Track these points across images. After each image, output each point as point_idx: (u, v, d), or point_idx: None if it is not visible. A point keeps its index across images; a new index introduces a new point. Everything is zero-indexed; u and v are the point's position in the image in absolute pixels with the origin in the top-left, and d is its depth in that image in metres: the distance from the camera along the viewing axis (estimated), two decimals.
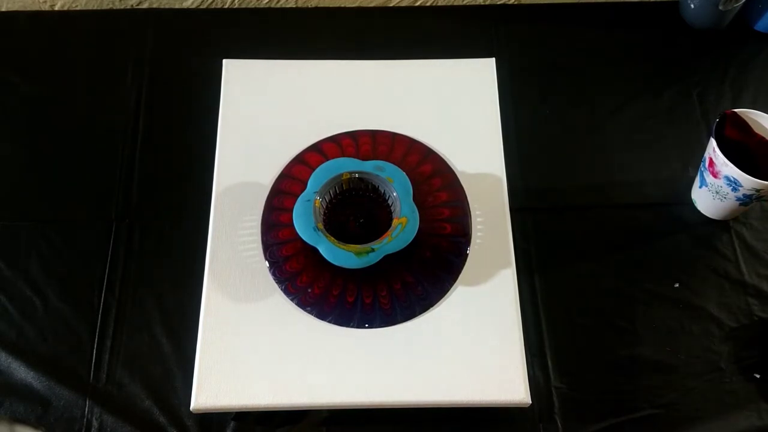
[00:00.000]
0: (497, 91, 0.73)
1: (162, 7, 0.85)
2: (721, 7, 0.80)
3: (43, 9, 0.85)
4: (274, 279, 0.64)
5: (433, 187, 0.68)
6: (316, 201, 0.63)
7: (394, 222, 0.63)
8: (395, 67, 0.75)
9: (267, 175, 0.68)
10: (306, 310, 0.62)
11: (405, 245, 0.61)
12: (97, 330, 0.66)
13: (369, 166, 0.65)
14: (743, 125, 0.69)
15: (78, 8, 0.85)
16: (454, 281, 0.64)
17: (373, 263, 0.61)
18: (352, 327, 0.62)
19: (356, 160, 0.65)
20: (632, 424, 0.63)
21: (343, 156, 0.69)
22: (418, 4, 0.86)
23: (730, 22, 0.84)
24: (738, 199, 0.68)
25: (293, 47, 0.81)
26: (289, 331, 0.62)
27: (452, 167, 0.69)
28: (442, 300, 0.63)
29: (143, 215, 0.72)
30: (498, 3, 0.87)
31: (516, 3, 0.87)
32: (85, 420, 0.62)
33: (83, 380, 0.64)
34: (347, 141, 0.70)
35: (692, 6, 0.82)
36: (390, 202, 0.65)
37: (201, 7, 0.85)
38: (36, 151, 0.76)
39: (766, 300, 0.69)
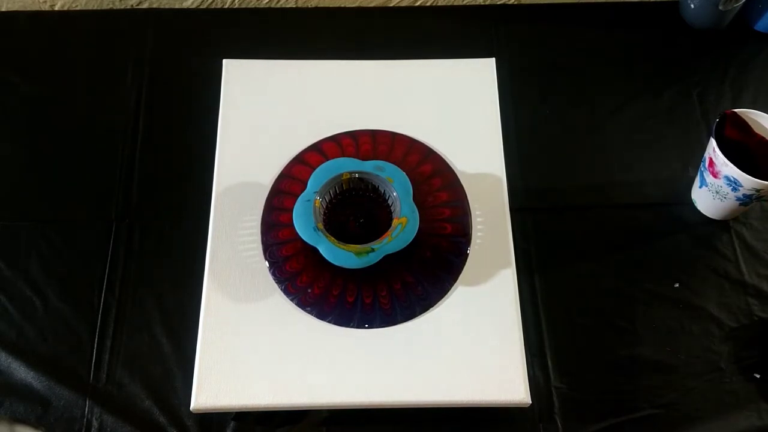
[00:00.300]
0: (497, 91, 0.73)
1: (162, 7, 0.85)
2: (721, 7, 0.80)
3: (43, 9, 0.85)
4: (274, 279, 0.64)
5: (434, 186, 0.68)
6: (316, 201, 0.63)
7: (394, 222, 0.63)
8: (395, 67, 0.75)
9: (267, 175, 0.68)
10: (306, 310, 0.62)
11: (405, 245, 0.61)
12: (97, 330, 0.66)
13: (369, 166, 0.65)
14: (743, 125, 0.69)
15: (78, 8, 0.85)
16: (455, 281, 0.64)
17: (373, 263, 0.61)
18: (352, 327, 0.62)
19: (356, 160, 0.65)
20: (632, 424, 0.63)
21: (343, 156, 0.69)
22: (418, 4, 0.86)
23: (730, 22, 0.84)
24: (738, 199, 0.68)
25: (293, 47, 0.81)
26: (289, 331, 0.62)
27: (452, 167, 0.69)
28: (442, 300, 0.63)
29: (143, 215, 0.72)
30: (498, 3, 0.87)
31: (516, 3, 0.87)
32: (85, 420, 0.62)
33: (83, 380, 0.64)
34: (347, 141, 0.70)
35: (692, 6, 0.82)
36: (390, 202, 0.65)
37: (201, 7, 0.85)
38: (36, 151, 0.76)
39: (766, 300, 0.69)
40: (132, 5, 0.85)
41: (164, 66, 0.81)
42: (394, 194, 0.64)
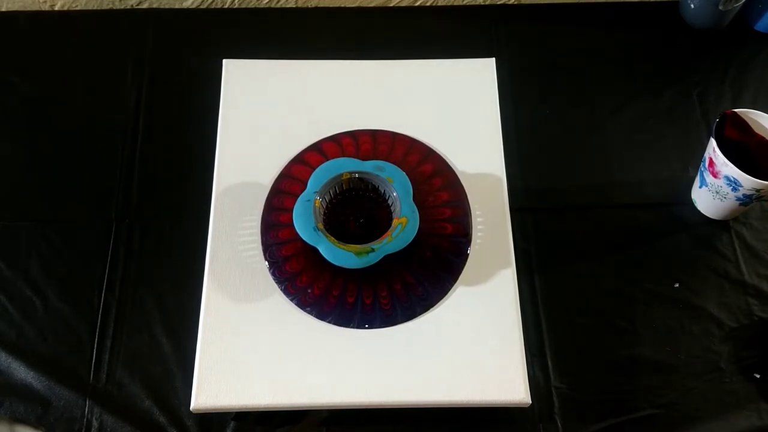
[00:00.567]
0: (497, 91, 0.73)
1: (162, 7, 0.85)
2: (721, 7, 0.80)
3: (43, 9, 0.85)
4: (274, 279, 0.64)
5: (434, 186, 0.68)
6: (316, 201, 0.63)
7: (394, 222, 0.63)
8: (395, 67, 0.75)
9: (267, 175, 0.68)
10: (306, 311, 0.62)
11: (405, 245, 0.61)
12: (97, 330, 0.66)
13: (369, 166, 0.65)
14: (743, 125, 0.69)
15: (78, 8, 0.85)
16: (455, 281, 0.64)
17: (373, 263, 0.61)
18: (352, 327, 0.62)
19: (356, 160, 0.65)
20: (632, 424, 0.63)
21: (344, 155, 0.69)
22: (418, 4, 0.86)
23: (730, 22, 0.84)
24: (738, 199, 0.68)
25: (293, 47, 0.81)
26: (289, 332, 0.62)
27: (452, 167, 0.69)
28: (442, 300, 0.63)
29: (143, 215, 0.72)
30: (498, 3, 0.87)
31: (516, 3, 0.87)
32: (85, 420, 0.62)
33: (83, 380, 0.64)
34: (347, 140, 0.70)
35: (692, 6, 0.82)
36: (390, 202, 0.65)
37: (201, 7, 0.85)
38: (36, 151, 0.76)
39: (766, 300, 0.69)
40: (132, 5, 0.85)
41: (164, 66, 0.81)
42: (394, 194, 0.64)
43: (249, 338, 0.61)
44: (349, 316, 0.62)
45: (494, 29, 0.84)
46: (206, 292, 0.63)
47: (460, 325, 0.62)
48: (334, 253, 0.61)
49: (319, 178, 0.64)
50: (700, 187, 0.71)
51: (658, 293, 0.69)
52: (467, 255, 0.65)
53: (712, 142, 0.67)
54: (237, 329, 0.62)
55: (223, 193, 0.68)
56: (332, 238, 0.61)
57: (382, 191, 0.66)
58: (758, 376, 0.65)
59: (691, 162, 0.75)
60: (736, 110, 0.68)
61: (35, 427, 0.58)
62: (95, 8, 0.85)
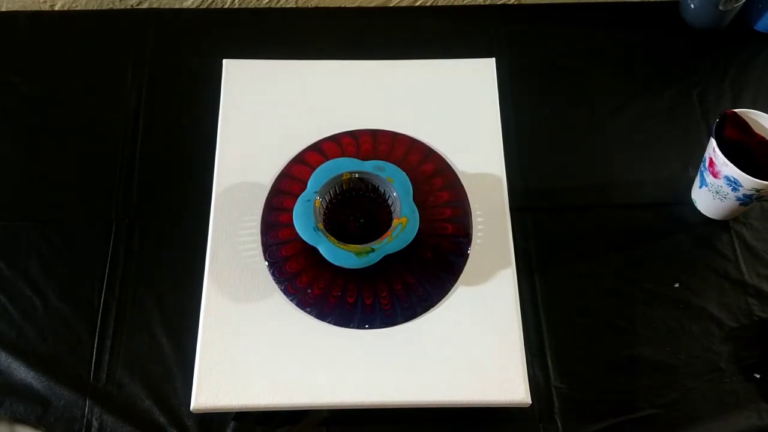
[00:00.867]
0: (497, 91, 0.73)
1: (162, 7, 0.85)
2: (721, 7, 0.80)
3: (43, 9, 0.85)
4: (274, 279, 0.64)
5: (434, 186, 0.68)
6: (316, 201, 0.63)
7: (394, 222, 0.63)
8: (395, 67, 0.75)
9: (267, 175, 0.68)
10: (306, 311, 0.62)
11: (405, 245, 0.61)
12: (97, 330, 0.66)
13: (369, 166, 0.65)
14: (743, 125, 0.69)
15: (78, 8, 0.85)
16: (455, 281, 0.64)
17: (373, 263, 0.61)
18: (352, 327, 0.62)
19: (356, 160, 0.65)
20: (632, 424, 0.63)
21: (344, 155, 0.69)
22: (418, 4, 0.86)
23: (730, 22, 0.84)
24: (738, 199, 0.68)
25: (293, 47, 0.81)
26: (289, 332, 0.62)
27: (452, 167, 0.69)
28: (442, 300, 0.63)
29: (143, 215, 0.72)
30: (498, 3, 0.87)
31: (516, 3, 0.87)
32: (85, 420, 0.62)
33: (83, 380, 0.64)
34: (347, 140, 0.70)
35: (692, 6, 0.82)
36: (390, 202, 0.65)
37: (201, 7, 0.85)
38: (36, 151, 0.75)
39: (766, 300, 0.69)
40: (132, 5, 0.85)
41: (164, 66, 0.81)
42: (394, 194, 0.64)
43: (249, 338, 0.61)
44: (349, 316, 0.62)
45: (494, 29, 0.84)
46: (206, 292, 0.63)
47: (459, 325, 0.62)
48: (334, 253, 0.61)
49: (319, 178, 0.64)
50: (700, 187, 0.71)
51: (658, 293, 0.69)
52: (467, 255, 0.65)
53: (712, 142, 0.67)
54: (237, 329, 0.62)
55: (223, 193, 0.68)
56: (332, 238, 0.61)
57: (382, 191, 0.66)
58: (758, 376, 0.65)
59: (691, 162, 0.75)
60: (736, 110, 0.68)
61: (35, 427, 0.58)
62: (95, 8, 0.85)
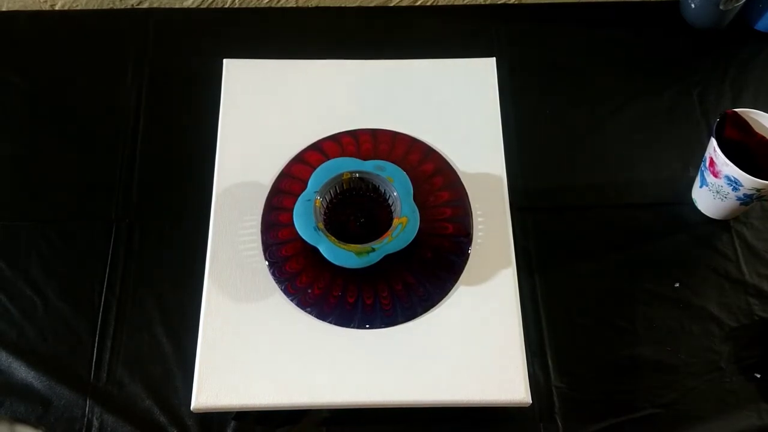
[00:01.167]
0: (498, 90, 0.73)
1: (162, 6, 0.85)
2: (721, 7, 0.80)
3: (43, 9, 0.85)
4: (274, 279, 0.64)
5: (435, 186, 0.68)
6: (317, 201, 0.63)
7: (395, 222, 0.63)
8: (396, 66, 0.75)
9: (267, 175, 0.68)
10: (306, 311, 0.62)
11: (405, 245, 0.61)
12: (98, 330, 0.66)
13: (369, 166, 0.65)
14: (743, 125, 0.69)
15: (78, 8, 0.85)
16: (456, 281, 0.64)
17: (373, 263, 0.61)
18: (353, 327, 0.62)
19: (356, 159, 0.65)
20: (632, 423, 0.63)
21: (344, 155, 0.69)
22: (418, 3, 0.86)
23: (730, 21, 0.84)
24: (738, 198, 0.68)
25: (293, 47, 0.81)
26: (289, 331, 0.62)
27: (453, 166, 0.69)
28: (443, 300, 0.63)
29: (143, 215, 0.72)
30: (498, 3, 0.87)
31: (516, 3, 0.87)
32: (85, 420, 0.62)
33: (83, 380, 0.64)
34: (348, 139, 0.70)
35: (693, 6, 0.82)
36: (390, 201, 0.65)
37: (201, 6, 0.85)
38: (36, 151, 0.75)
39: (767, 300, 0.69)
40: (132, 5, 0.85)
41: (164, 66, 0.81)
42: (395, 194, 0.64)
43: (249, 338, 0.61)
44: (350, 316, 0.62)
45: (495, 29, 0.84)
46: (206, 291, 0.63)
47: (460, 325, 0.62)
48: (335, 252, 0.61)
49: (319, 177, 0.64)
50: (701, 186, 0.71)
51: (658, 293, 0.69)
52: (468, 255, 0.65)
53: (713, 142, 0.67)
54: (237, 329, 0.62)
55: (224, 193, 0.68)
56: (333, 237, 0.61)
57: (383, 191, 0.66)
58: (758, 375, 0.65)
59: (692, 162, 0.75)
60: (736, 110, 0.68)
61: (36, 426, 0.58)
62: (95, 8, 0.85)
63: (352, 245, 0.61)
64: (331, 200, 0.66)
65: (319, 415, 0.63)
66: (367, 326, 0.62)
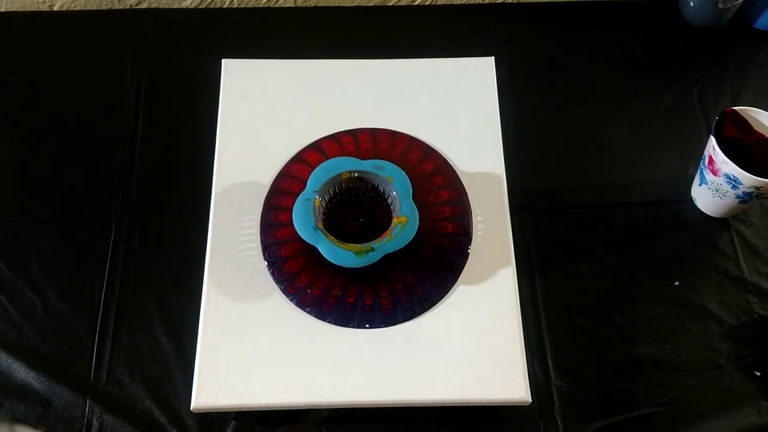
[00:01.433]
0: (497, 89, 0.73)
1: (161, 7, 0.85)
2: (720, 5, 0.80)
3: (42, 9, 0.85)
4: (274, 279, 0.64)
5: (435, 185, 0.68)
6: (316, 200, 0.63)
7: (394, 221, 0.63)
8: (395, 66, 0.75)
9: (266, 175, 0.68)
10: (306, 311, 0.62)
11: (405, 244, 0.61)
12: (98, 330, 0.66)
13: (368, 166, 0.65)
14: (743, 123, 0.69)
15: (77, 8, 0.85)
16: (456, 281, 0.64)
17: (372, 262, 0.61)
18: (352, 327, 0.62)
19: (355, 159, 0.65)
20: (632, 422, 0.63)
21: (343, 154, 0.69)
22: (417, 3, 0.86)
23: (729, 20, 0.84)
24: (738, 196, 0.68)
25: (293, 47, 0.81)
26: (289, 331, 0.62)
27: (452, 165, 0.69)
28: (442, 300, 0.63)
29: (143, 215, 0.72)
30: (497, 2, 0.87)
31: (515, 2, 0.87)
32: (85, 420, 0.62)
33: (83, 380, 0.64)
34: (347, 139, 0.70)
35: (692, 4, 0.82)
36: (389, 201, 0.65)
37: (200, 6, 0.85)
38: (36, 151, 0.75)
39: (766, 298, 0.69)
40: (131, 5, 0.85)
41: (163, 66, 0.81)
42: (394, 193, 0.64)
43: (249, 338, 0.61)
44: (349, 316, 0.62)
45: (493, 28, 0.84)
46: (206, 291, 0.63)
47: (459, 324, 0.62)
48: (334, 252, 0.61)
49: (318, 177, 0.64)
50: (700, 185, 0.71)
51: (658, 291, 0.69)
52: (468, 254, 0.65)
53: (712, 140, 0.67)
54: (237, 329, 0.62)
55: (223, 193, 0.68)
56: (332, 237, 0.61)
57: (382, 190, 0.66)
58: (758, 373, 0.65)
59: (691, 160, 0.75)
60: (735, 108, 0.68)
61: (35, 427, 0.58)
62: (94, 8, 0.85)
63: (352, 245, 0.61)
64: (330, 200, 0.66)
65: (318, 414, 0.63)
66: (367, 326, 0.62)
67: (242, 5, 0.86)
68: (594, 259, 0.70)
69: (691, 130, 0.78)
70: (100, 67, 0.81)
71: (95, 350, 0.65)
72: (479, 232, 0.66)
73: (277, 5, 0.86)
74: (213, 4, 0.86)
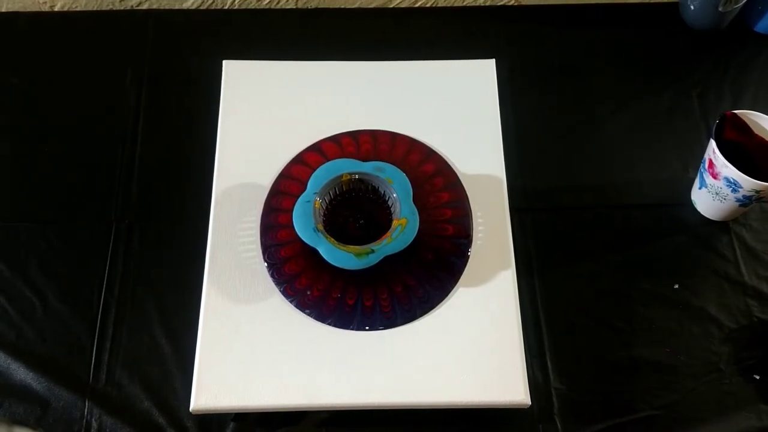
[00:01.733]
0: (497, 91, 0.73)
1: (162, 7, 0.85)
2: (721, 9, 0.80)
3: (43, 10, 0.85)
4: (273, 281, 0.64)
5: (436, 187, 0.68)
6: (316, 202, 0.63)
7: (394, 223, 0.63)
8: (395, 68, 0.75)
9: (267, 176, 0.68)
10: (305, 312, 0.62)
11: (405, 246, 0.61)
12: (97, 331, 0.66)
13: (369, 167, 0.65)
14: (743, 126, 0.69)
15: (78, 9, 0.85)
16: (456, 283, 0.64)
17: (373, 264, 0.61)
18: (352, 329, 0.62)
19: (356, 161, 0.65)
20: (632, 425, 0.63)
21: (343, 156, 0.69)
22: (418, 5, 0.86)
23: (729, 23, 0.84)
24: (738, 200, 0.68)
25: (293, 48, 0.81)
26: (288, 333, 0.62)
27: (453, 167, 0.69)
28: (442, 302, 0.63)
29: (143, 216, 0.72)
30: (498, 4, 0.87)
31: (516, 4, 0.87)
32: (84, 421, 0.62)
33: (82, 381, 0.64)
34: (347, 140, 0.70)
35: (692, 7, 0.82)
36: (390, 203, 0.65)
37: (201, 7, 0.85)
38: (36, 151, 0.75)
39: (766, 301, 0.69)
40: (132, 6, 0.85)
41: (164, 66, 0.81)
42: (394, 195, 0.64)
43: (248, 339, 0.61)
44: (349, 318, 0.62)
45: (494, 30, 0.84)
46: (206, 293, 0.63)
47: (459, 326, 0.62)
48: (334, 254, 0.61)
49: (318, 179, 0.64)
50: (700, 188, 0.71)
51: (657, 294, 0.69)
52: (468, 256, 0.65)
53: (712, 144, 0.67)
54: (237, 330, 0.62)
55: (223, 194, 0.68)
56: (332, 239, 0.61)
57: (382, 192, 0.66)
58: (758, 377, 0.65)
59: (691, 163, 0.75)
60: (735, 111, 0.68)
61: (34, 428, 0.58)
62: (95, 9, 0.85)
63: (352, 247, 0.61)
64: (330, 201, 0.66)
65: (318, 416, 0.62)
66: (367, 328, 0.62)
67: (243, 6, 0.86)
68: (594, 260, 0.70)
69: (691, 133, 0.78)
70: (100, 68, 0.81)
71: (94, 351, 0.65)
72: (479, 235, 0.66)
73: (279, 6, 0.86)
74: (214, 5, 0.86)
